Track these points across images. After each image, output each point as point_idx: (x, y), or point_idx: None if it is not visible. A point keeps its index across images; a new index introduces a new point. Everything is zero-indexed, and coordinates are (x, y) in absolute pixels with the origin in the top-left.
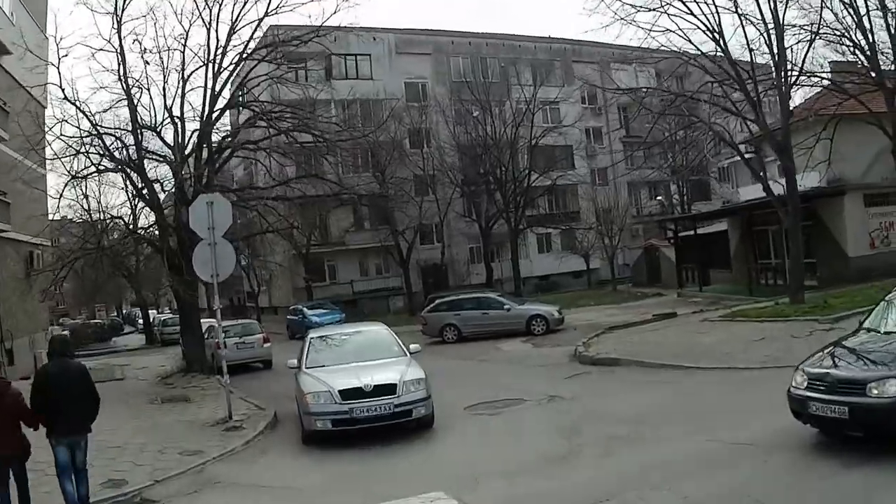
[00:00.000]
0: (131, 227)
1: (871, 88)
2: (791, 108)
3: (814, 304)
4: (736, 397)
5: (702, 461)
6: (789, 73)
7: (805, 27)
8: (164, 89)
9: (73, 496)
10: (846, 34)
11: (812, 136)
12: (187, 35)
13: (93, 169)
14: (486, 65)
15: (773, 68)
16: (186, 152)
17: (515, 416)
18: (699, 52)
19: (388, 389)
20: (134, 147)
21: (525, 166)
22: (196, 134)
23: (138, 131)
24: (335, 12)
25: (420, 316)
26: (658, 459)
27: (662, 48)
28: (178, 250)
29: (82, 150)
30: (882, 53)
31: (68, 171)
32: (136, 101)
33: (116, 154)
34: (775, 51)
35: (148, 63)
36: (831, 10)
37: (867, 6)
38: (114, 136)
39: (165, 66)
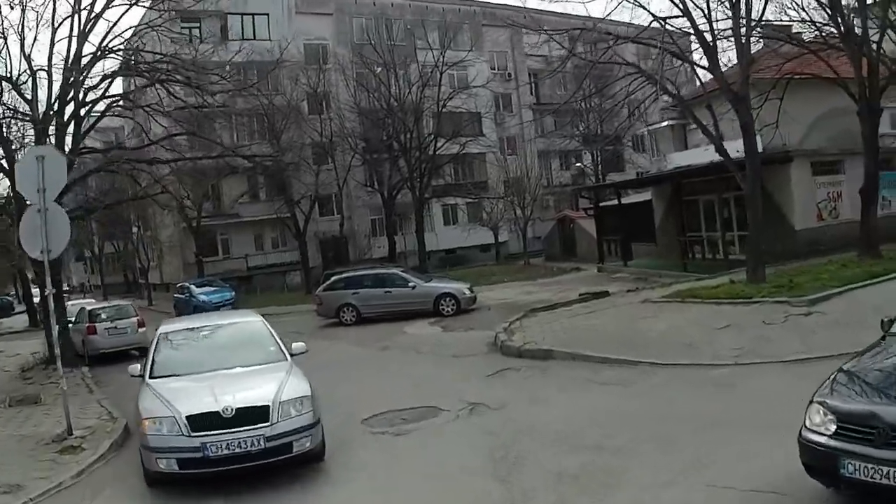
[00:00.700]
0: None
1: (830, 44)
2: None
3: (777, 284)
4: (715, 406)
5: None
6: (750, 20)
7: None
8: (21, 32)
9: None
10: None
11: (758, 97)
12: None
13: None
14: (391, 26)
15: (729, 11)
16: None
17: (429, 436)
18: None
19: (258, 415)
20: None
21: (431, 132)
22: (60, 86)
23: None
24: None
25: (315, 295)
26: None
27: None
28: None
29: None
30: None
31: None
32: None
33: None
34: None
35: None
36: None
37: None
38: None
39: (24, 4)
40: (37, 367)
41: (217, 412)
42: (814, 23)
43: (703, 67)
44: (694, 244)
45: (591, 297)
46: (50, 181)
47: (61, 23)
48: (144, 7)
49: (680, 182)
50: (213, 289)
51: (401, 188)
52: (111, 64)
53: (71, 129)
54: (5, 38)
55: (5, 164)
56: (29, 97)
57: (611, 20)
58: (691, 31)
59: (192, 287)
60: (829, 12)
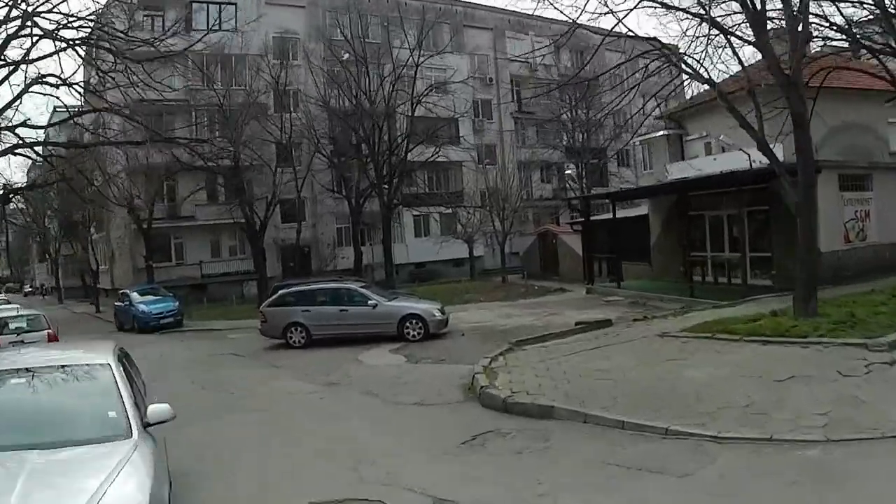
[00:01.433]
0: None
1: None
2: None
3: (836, 319)
4: None
5: None
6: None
7: None
8: None
9: None
10: None
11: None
12: None
13: None
14: (366, 22)
15: None
16: None
17: None
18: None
19: None
20: None
21: (402, 133)
22: None
23: None
24: None
25: (259, 311)
26: None
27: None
28: None
29: None
30: None
31: None
32: None
33: None
34: None
35: None
36: None
37: None
38: None
39: None
40: None
41: None
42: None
43: (747, 41)
44: (695, 265)
45: (590, 327)
46: None
47: None
48: None
49: (684, 195)
50: (154, 297)
51: (369, 195)
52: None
53: None
54: None
55: None
56: None
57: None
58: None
59: (133, 295)
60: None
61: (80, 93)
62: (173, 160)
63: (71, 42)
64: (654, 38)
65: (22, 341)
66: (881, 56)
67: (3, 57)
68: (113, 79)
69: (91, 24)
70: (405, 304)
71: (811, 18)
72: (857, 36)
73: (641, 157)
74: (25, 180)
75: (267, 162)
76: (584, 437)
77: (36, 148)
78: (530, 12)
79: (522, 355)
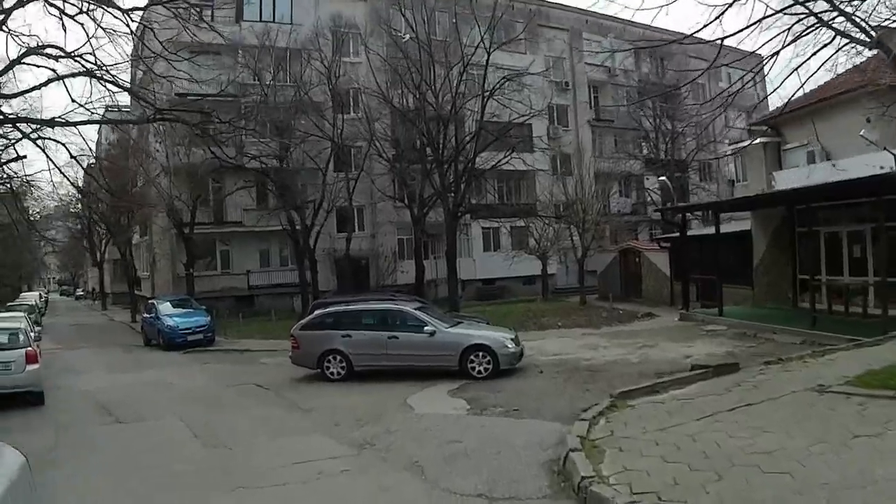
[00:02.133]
0: None
1: None
2: None
3: None
4: None
5: None
6: None
7: None
8: None
9: None
10: None
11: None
12: None
13: None
14: (434, 19)
15: None
16: None
17: None
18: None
19: None
20: None
21: (469, 135)
22: None
23: None
24: None
25: (291, 334)
26: None
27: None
28: None
29: None
30: None
31: None
32: None
33: None
34: None
35: None
36: None
37: None
38: None
39: None
40: None
41: None
42: None
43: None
44: (809, 290)
45: (713, 372)
46: None
47: None
48: None
49: (792, 209)
50: (184, 311)
51: (433, 203)
52: None
53: None
54: None
55: None
56: None
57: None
58: None
59: (160, 306)
60: None
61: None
62: (214, 159)
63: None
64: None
65: None
66: None
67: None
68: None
69: None
70: (469, 332)
71: None
72: None
73: (733, 169)
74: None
75: (318, 164)
76: None
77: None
78: (607, 12)
79: (632, 416)
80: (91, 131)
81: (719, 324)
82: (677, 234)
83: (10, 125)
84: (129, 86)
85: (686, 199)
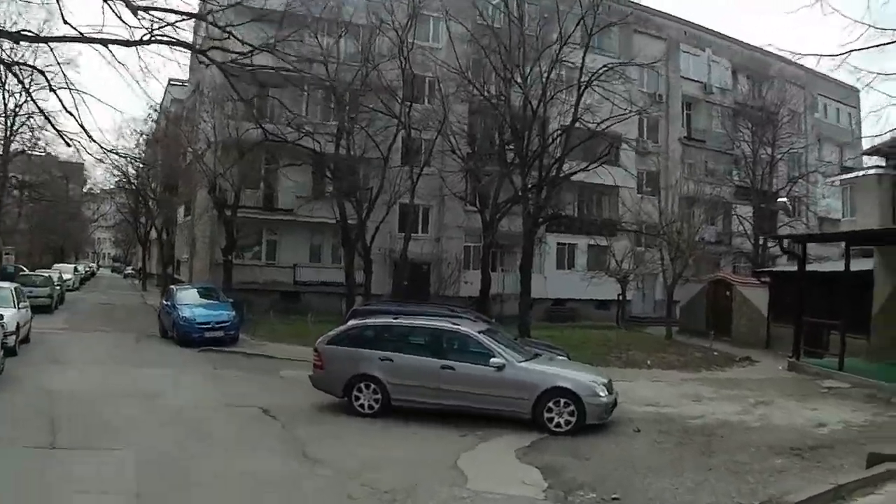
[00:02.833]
0: None
1: None
2: None
3: None
4: None
5: None
6: None
7: None
8: None
9: None
10: None
11: None
12: None
13: None
14: (522, 12)
15: None
16: None
17: None
18: None
19: None
20: None
21: (556, 131)
22: None
23: None
24: None
25: (315, 349)
26: None
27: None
28: None
29: None
30: None
31: None
32: None
33: None
34: None
35: None
36: None
37: None
38: None
39: None
40: None
41: None
42: None
43: None
44: None
45: None
46: None
47: None
48: None
49: None
50: (207, 302)
51: (508, 210)
52: None
53: None
54: None
55: None
56: None
57: None
58: None
59: (178, 294)
60: None
61: None
62: (266, 136)
63: None
64: None
65: None
66: None
67: None
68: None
69: None
70: (550, 371)
71: None
72: None
73: (832, 203)
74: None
75: (382, 151)
76: None
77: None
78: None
79: None
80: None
81: (840, 379)
82: (778, 268)
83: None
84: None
85: (776, 237)
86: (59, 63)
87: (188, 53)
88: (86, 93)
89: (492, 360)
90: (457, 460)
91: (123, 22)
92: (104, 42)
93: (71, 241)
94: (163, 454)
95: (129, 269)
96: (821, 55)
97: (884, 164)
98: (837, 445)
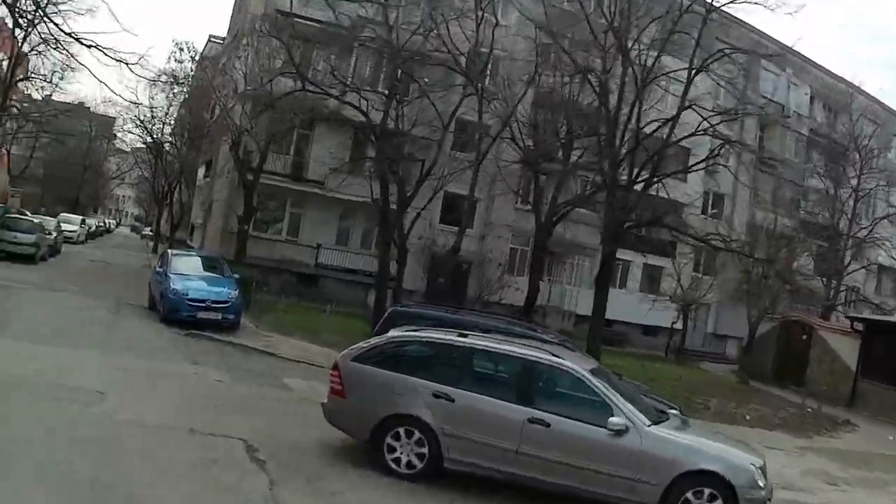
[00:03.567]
0: None
1: None
2: None
3: None
4: None
5: None
6: None
7: None
8: None
9: None
10: None
11: None
12: None
13: None
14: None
15: None
16: None
17: None
18: None
19: None
20: None
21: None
22: None
23: None
24: None
25: (334, 367)
26: None
27: None
28: None
29: None
30: None
31: None
32: None
33: None
34: None
35: None
36: None
37: None
38: None
39: None
40: None
41: None
42: None
43: None
44: None
45: None
46: None
47: None
48: None
49: None
50: (207, 275)
51: (566, 215)
52: None
53: None
54: None
55: None
56: None
57: None
58: None
59: (174, 261)
60: None
61: None
62: (303, 92)
63: None
64: None
65: None
66: None
67: None
68: None
69: None
70: (690, 443)
71: None
72: None
73: None
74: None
75: (443, 119)
76: None
77: None
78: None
79: None
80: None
81: None
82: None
83: None
84: None
85: (839, 280)
86: None
87: None
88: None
89: (611, 419)
90: None
91: None
92: None
93: (86, 195)
94: None
95: (146, 230)
96: None
97: None
98: None
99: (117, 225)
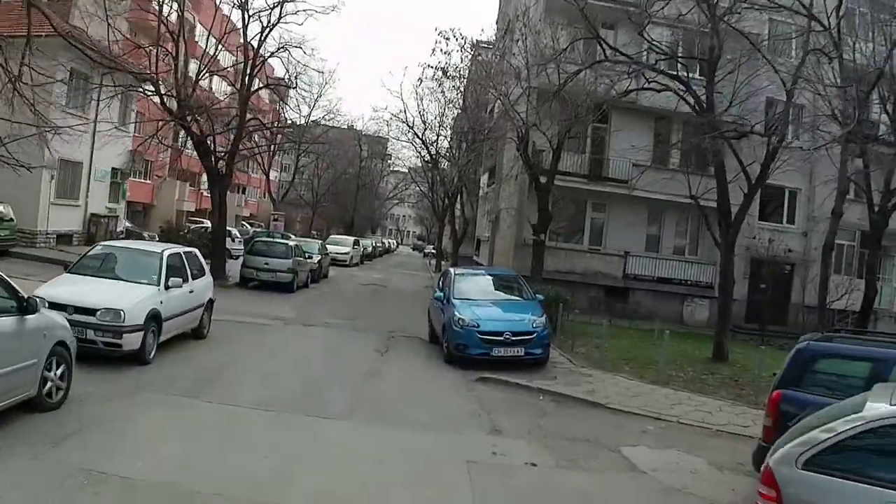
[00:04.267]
0: None
1: None
2: None
3: None
4: None
5: None
6: None
7: None
8: None
9: None
10: None
11: None
12: None
13: None
14: None
15: None
16: None
17: None
18: None
19: None
20: None
21: None
22: None
23: None
24: None
25: (768, 484)
26: None
27: None
28: None
29: None
30: None
31: None
32: None
33: None
34: None
35: None
36: None
37: None
38: None
39: None
40: None
41: None
42: None
43: None
44: None
45: None
46: None
47: None
48: None
49: None
50: (502, 298)
51: None
52: None
53: None
54: None
55: None
56: None
57: None
58: None
59: (458, 282)
60: None
61: None
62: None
63: None
64: None
65: None
66: None
67: None
68: None
69: None
70: None
71: None
72: None
73: None
74: None
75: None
76: None
77: None
78: None
79: None
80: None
81: None
82: None
83: None
84: None
85: None
86: None
87: None
88: None
89: None
90: None
91: None
92: None
93: (361, 216)
94: None
95: (429, 248)
96: None
97: None
98: None
99: (398, 244)
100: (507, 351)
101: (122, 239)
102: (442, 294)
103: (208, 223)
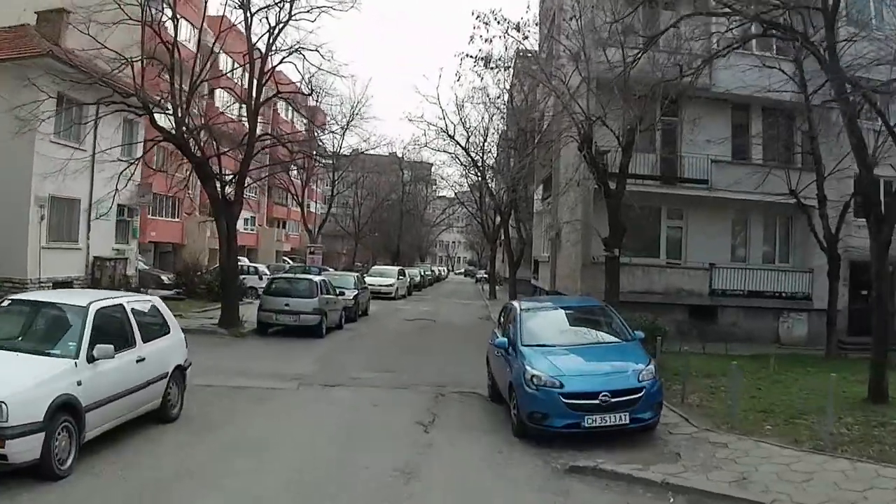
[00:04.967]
0: None
1: None
2: None
3: None
4: None
5: None
6: None
7: None
8: None
9: None
10: None
11: None
12: None
13: None
14: None
15: None
16: None
17: None
18: None
19: None
20: None
21: None
22: None
23: None
24: None
25: None
26: None
27: None
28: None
29: None
30: None
31: None
32: None
33: None
34: None
35: None
36: None
37: None
38: None
39: None
40: None
41: None
42: None
43: None
44: None
45: None
46: None
47: None
48: None
49: None
50: (590, 342)
51: None
52: None
53: None
54: None
55: None
56: None
57: None
58: None
59: (528, 320)
60: None
61: None
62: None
63: None
64: None
65: None
66: None
67: None
68: None
69: None
70: None
71: None
72: None
73: None
74: None
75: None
76: None
77: None
78: None
79: None
80: None
81: None
82: None
83: None
84: None
85: None
86: None
87: None
88: None
89: None
90: None
91: None
92: None
93: (407, 244)
94: None
95: (480, 273)
96: None
97: None
98: None
99: (449, 271)
100: (605, 419)
101: (133, 284)
102: (505, 340)
103: (246, 260)
